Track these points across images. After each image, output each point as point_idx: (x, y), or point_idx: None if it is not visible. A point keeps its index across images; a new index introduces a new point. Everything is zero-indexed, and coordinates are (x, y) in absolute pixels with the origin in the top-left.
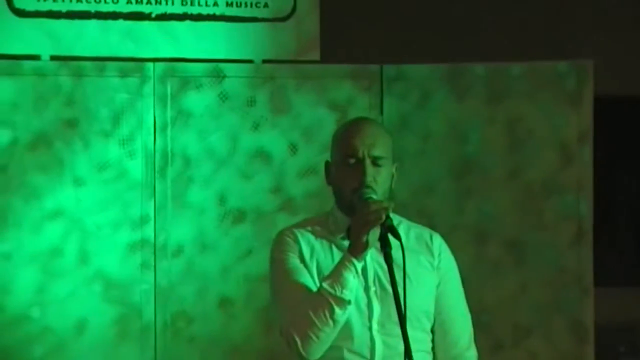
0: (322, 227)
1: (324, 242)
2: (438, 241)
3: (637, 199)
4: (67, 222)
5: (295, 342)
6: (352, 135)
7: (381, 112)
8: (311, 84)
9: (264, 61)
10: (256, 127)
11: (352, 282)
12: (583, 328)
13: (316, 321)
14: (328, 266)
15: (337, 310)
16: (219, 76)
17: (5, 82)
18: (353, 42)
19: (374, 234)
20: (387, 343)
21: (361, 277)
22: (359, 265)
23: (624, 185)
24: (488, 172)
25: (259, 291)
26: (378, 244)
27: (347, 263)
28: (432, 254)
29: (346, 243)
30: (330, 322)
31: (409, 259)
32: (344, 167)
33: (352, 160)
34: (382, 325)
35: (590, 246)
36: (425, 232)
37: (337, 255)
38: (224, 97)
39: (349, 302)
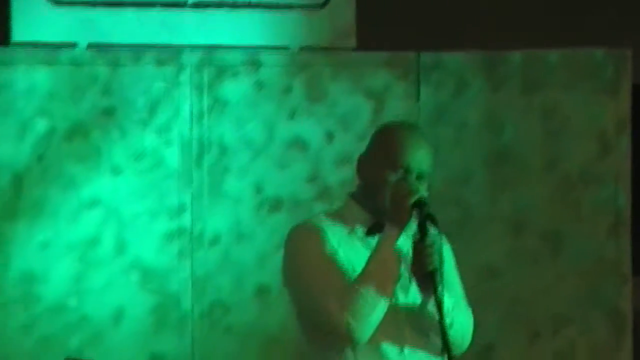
0: (340, 221)
1: (346, 234)
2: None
3: None
4: (104, 212)
5: (349, 326)
6: (406, 146)
7: (417, 101)
8: (347, 72)
9: (300, 49)
10: (292, 115)
11: (399, 259)
12: (621, 318)
13: (369, 298)
14: (353, 257)
15: (387, 286)
16: (255, 64)
17: (42, 72)
18: (389, 30)
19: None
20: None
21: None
22: (401, 241)
23: None
24: (524, 162)
25: None
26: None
27: (391, 238)
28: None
29: (369, 238)
30: (380, 300)
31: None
32: (389, 172)
33: (401, 172)
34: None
35: (629, 236)
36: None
37: (360, 247)
38: (260, 85)
39: (398, 278)
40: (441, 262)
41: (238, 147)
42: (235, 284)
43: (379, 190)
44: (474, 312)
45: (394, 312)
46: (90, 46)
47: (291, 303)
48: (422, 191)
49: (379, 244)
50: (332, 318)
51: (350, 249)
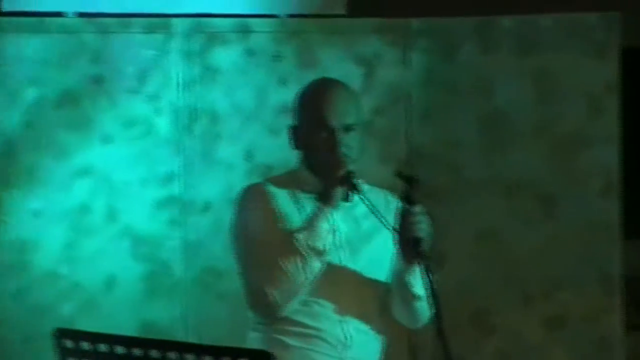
0: (292, 186)
1: (295, 200)
2: (394, 200)
3: None
4: (95, 180)
5: (269, 298)
6: (323, 104)
7: (409, 67)
8: (337, 39)
9: (290, 16)
10: (283, 82)
11: (326, 232)
12: (612, 280)
13: (291, 273)
14: (298, 222)
15: (312, 260)
16: (245, 31)
17: (31, 40)
18: None
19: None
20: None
21: (334, 236)
22: (334, 217)
23: None
24: (516, 125)
25: None
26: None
27: (320, 213)
28: (388, 213)
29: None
30: (305, 273)
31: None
32: (316, 137)
33: (324, 133)
34: (353, 280)
35: (620, 198)
36: (381, 192)
37: (310, 211)
38: (250, 52)
39: (324, 252)
40: (431, 228)
41: (229, 115)
42: (227, 251)
43: (312, 155)
44: (468, 274)
45: (338, 282)
46: (79, 15)
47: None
48: (353, 144)
49: (308, 219)
50: (254, 291)
51: (298, 213)
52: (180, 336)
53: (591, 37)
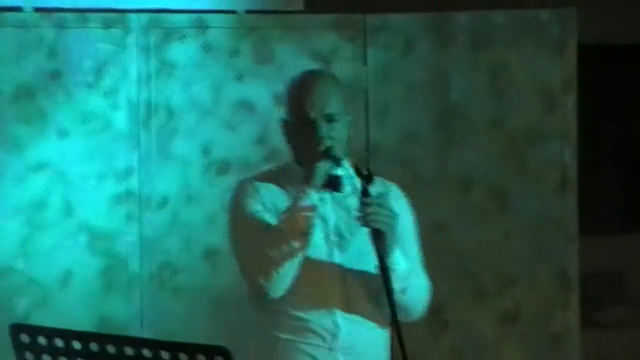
0: (281, 180)
1: (285, 193)
2: (395, 191)
3: (623, 146)
4: (52, 174)
5: (260, 284)
6: (302, 96)
7: (365, 62)
8: (295, 34)
9: (247, 11)
10: (240, 77)
11: (310, 214)
12: (568, 276)
13: (276, 256)
14: None
15: (295, 242)
16: (202, 27)
17: None
18: None
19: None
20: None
21: (322, 226)
22: (315, 196)
23: (610, 133)
24: (472, 120)
25: None
26: (334, 192)
27: (302, 194)
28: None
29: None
30: (290, 255)
31: None
32: (299, 130)
33: (305, 125)
34: (342, 272)
35: (575, 194)
36: (384, 183)
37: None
38: (207, 47)
39: (308, 234)
40: (390, 221)
41: (186, 110)
42: (183, 246)
43: (298, 150)
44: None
45: (327, 272)
46: (36, 9)
47: None
48: (336, 135)
49: (291, 202)
50: (246, 277)
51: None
52: (136, 331)
53: (547, 33)
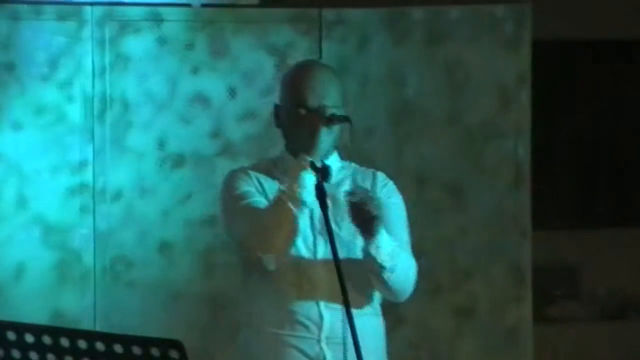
0: (273, 170)
1: (276, 181)
2: (381, 177)
3: (576, 142)
4: (5, 167)
5: (260, 257)
6: (303, 83)
7: (320, 57)
8: (250, 28)
9: (203, 5)
10: (195, 71)
11: (308, 181)
12: (521, 271)
13: (274, 225)
14: None
15: (294, 209)
16: (158, 20)
17: None
18: None
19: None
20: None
21: (308, 215)
22: (311, 178)
23: (562, 128)
24: (427, 116)
25: (199, 235)
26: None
27: (302, 162)
28: (375, 190)
29: None
30: (289, 223)
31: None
32: (295, 116)
33: (303, 111)
34: (326, 262)
35: (529, 190)
36: (369, 171)
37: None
38: (162, 41)
39: (305, 203)
40: (378, 212)
41: (141, 103)
42: (138, 239)
43: (290, 136)
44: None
45: (312, 262)
46: None
47: None
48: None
49: (289, 171)
50: (246, 251)
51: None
52: (89, 325)
53: (502, 28)
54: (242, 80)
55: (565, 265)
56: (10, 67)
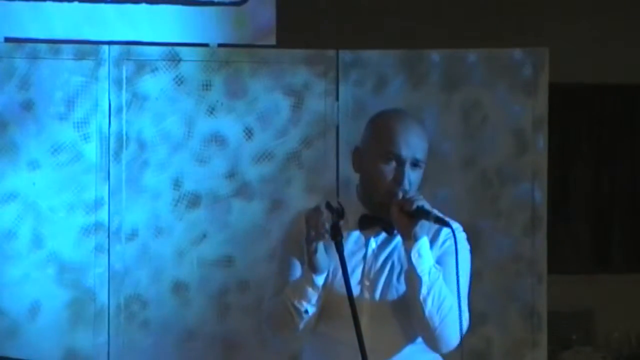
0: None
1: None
2: (446, 232)
3: (591, 186)
4: (21, 205)
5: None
6: (397, 133)
7: (337, 98)
8: (267, 69)
9: (220, 45)
10: (211, 111)
11: (311, 294)
12: (537, 315)
13: (279, 321)
14: (331, 251)
15: (295, 317)
16: (175, 60)
17: None
18: (309, 27)
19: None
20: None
21: (360, 265)
22: (319, 279)
23: (578, 173)
24: (443, 159)
25: (213, 276)
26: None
27: (307, 276)
28: (436, 244)
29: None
30: (292, 324)
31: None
32: (382, 164)
33: (393, 162)
34: (371, 316)
35: (545, 234)
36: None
37: (347, 240)
38: (179, 80)
39: (306, 312)
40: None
41: (157, 142)
42: (152, 279)
43: (373, 182)
44: None
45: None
46: (8, 40)
47: None
48: (414, 181)
49: (300, 278)
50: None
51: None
52: None
53: (518, 72)
54: (259, 121)
55: (580, 310)
56: (28, 106)
